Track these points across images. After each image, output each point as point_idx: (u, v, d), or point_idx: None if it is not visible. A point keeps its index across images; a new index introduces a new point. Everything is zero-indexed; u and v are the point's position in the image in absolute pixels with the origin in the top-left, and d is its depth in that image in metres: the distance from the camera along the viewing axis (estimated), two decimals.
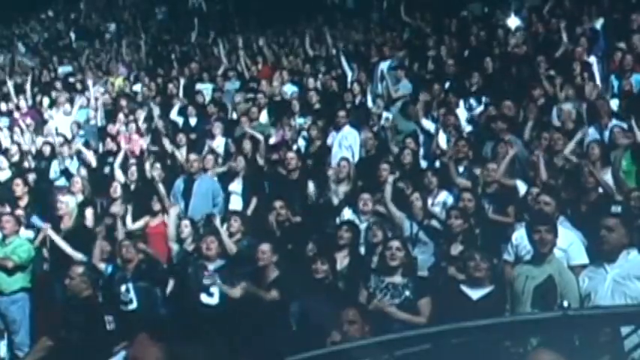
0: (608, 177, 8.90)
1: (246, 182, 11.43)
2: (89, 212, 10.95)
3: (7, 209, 11.00)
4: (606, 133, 10.11)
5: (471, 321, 3.72)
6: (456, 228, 8.21)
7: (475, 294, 6.86)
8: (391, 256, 7.45)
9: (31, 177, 12.84)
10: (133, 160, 12.69)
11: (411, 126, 12.21)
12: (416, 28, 16.77)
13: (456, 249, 8.04)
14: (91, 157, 13.34)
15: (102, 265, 9.34)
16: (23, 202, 11.52)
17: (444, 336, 3.73)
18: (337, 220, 9.46)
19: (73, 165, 13.43)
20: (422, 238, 8.79)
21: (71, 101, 16.73)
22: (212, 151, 12.47)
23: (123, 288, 8.69)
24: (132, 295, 8.65)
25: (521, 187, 9.01)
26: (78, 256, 9.65)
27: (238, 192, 11.37)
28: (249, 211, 10.80)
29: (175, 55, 19.55)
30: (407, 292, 7.28)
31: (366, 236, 8.79)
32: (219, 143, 12.91)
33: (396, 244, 7.60)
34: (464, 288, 6.95)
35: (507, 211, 8.91)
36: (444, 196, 9.52)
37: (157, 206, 10.68)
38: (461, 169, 10.11)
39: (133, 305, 8.63)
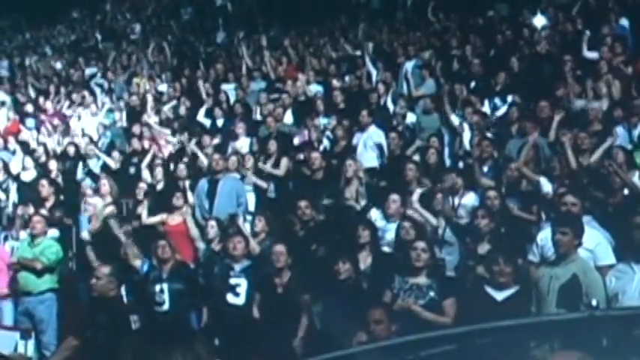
0: (635, 177, 8.82)
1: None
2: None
3: (31, 209, 11.07)
4: (635, 132, 10.03)
5: (496, 321, 3.70)
6: (483, 228, 8.17)
7: (499, 295, 6.82)
8: (417, 257, 7.41)
9: (58, 178, 12.92)
10: (159, 161, 12.74)
11: (436, 125, 12.17)
12: (441, 27, 16.72)
13: (483, 248, 7.99)
14: (110, 161, 13.36)
15: (137, 263, 9.35)
16: (49, 203, 11.58)
17: (469, 337, 3.72)
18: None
19: (97, 166, 13.48)
20: (448, 239, 8.74)
21: (97, 102, 16.83)
22: (236, 151, 12.49)
23: (157, 288, 8.68)
24: (165, 296, 8.65)
25: (547, 186, 8.93)
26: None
27: (251, 189, 11.46)
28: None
29: (200, 56, 19.60)
30: (431, 293, 7.25)
31: (397, 235, 8.74)
32: (242, 144, 12.93)
33: (421, 245, 7.56)
34: (488, 289, 6.91)
35: (532, 210, 8.85)
36: (472, 199, 9.43)
37: (179, 203, 10.66)
38: (485, 168, 10.05)
39: (165, 307, 8.64)
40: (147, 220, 10.77)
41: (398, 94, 13.92)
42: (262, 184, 11.53)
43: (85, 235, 10.72)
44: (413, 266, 7.40)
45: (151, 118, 15.01)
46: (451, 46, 15.26)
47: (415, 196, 9.22)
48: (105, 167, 13.28)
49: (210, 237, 9.75)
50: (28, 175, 13.36)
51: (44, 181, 12.02)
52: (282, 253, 8.18)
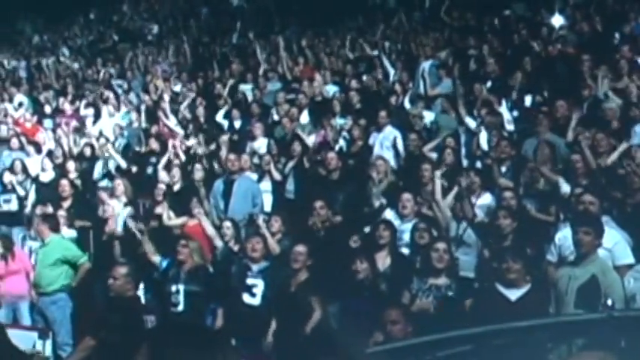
0: None
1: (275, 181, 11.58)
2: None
3: (50, 209, 11.10)
4: None
5: (513, 322, 3.68)
6: (505, 228, 8.12)
7: (513, 295, 6.77)
8: (439, 258, 7.42)
9: (76, 178, 12.95)
10: (176, 162, 12.76)
11: (453, 124, 12.13)
12: (458, 27, 16.68)
13: None
14: (121, 161, 13.36)
15: (156, 259, 9.36)
16: (67, 204, 11.62)
17: (486, 337, 3.70)
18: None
19: (114, 166, 13.51)
20: (466, 240, 8.69)
21: (114, 103, 16.87)
22: (254, 152, 12.50)
23: (173, 288, 8.68)
24: (181, 297, 8.64)
25: (564, 187, 8.88)
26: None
27: (268, 190, 11.47)
28: None
29: (216, 57, 19.62)
30: (449, 293, 7.26)
31: (412, 237, 8.71)
32: (260, 144, 12.92)
33: (442, 245, 7.58)
34: (501, 289, 6.86)
35: (550, 210, 8.80)
36: (489, 199, 9.39)
37: (195, 208, 10.66)
38: (503, 169, 10.00)
39: (180, 308, 8.63)
40: (168, 222, 10.77)
41: (415, 94, 13.89)
42: (277, 175, 11.54)
43: None
44: (434, 267, 7.40)
45: (168, 118, 15.02)
46: (468, 46, 15.21)
47: (437, 187, 9.11)
48: (119, 168, 13.28)
49: (226, 239, 9.75)
50: (47, 176, 13.41)
51: (64, 181, 12.07)
52: (302, 254, 8.15)
